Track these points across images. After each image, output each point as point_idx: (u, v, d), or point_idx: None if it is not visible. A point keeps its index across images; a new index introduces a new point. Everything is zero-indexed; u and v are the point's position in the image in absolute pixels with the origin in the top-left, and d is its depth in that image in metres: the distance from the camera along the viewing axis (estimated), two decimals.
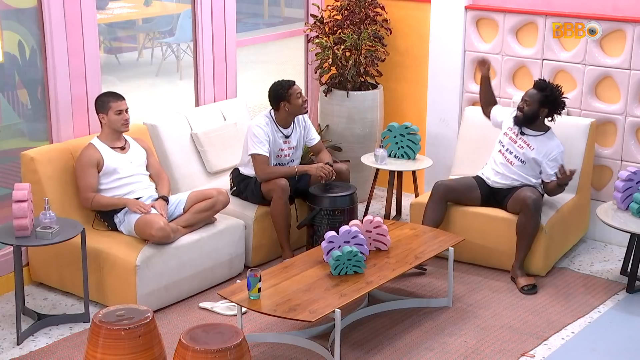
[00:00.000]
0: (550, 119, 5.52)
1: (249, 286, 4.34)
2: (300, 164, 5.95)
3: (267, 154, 5.59)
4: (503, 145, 5.60)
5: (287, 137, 5.73)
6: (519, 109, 5.48)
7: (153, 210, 5.09)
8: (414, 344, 4.73)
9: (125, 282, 4.90)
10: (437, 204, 5.54)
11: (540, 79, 5.55)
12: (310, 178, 5.77)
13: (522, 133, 5.53)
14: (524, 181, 5.51)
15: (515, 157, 5.52)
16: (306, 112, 5.77)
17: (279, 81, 5.69)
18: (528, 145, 5.49)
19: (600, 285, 5.46)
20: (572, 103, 6.07)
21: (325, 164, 5.72)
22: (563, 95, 5.49)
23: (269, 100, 5.69)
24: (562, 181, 5.26)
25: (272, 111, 5.71)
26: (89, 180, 5.07)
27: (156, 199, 5.22)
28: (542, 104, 5.42)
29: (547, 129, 5.54)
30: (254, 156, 5.59)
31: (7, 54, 5.19)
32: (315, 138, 5.90)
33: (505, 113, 5.72)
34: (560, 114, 5.52)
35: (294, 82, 5.69)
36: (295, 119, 5.77)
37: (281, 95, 5.62)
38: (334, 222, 5.48)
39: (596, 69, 5.94)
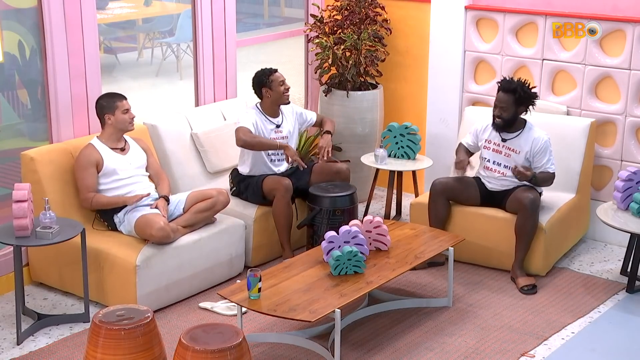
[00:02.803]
0: (526, 112, 5.50)
1: (249, 286, 4.34)
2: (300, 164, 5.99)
3: (249, 128, 5.60)
4: (488, 160, 5.56)
5: (277, 126, 5.73)
6: (497, 116, 5.42)
7: (154, 210, 5.09)
8: (414, 344, 4.73)
9: (125, 282, 4.90)
10: (438, 202, 5.53)
11: (503, 79, 5.46)
12: (310, 178, 5.78)
13: (503, 140, 5.49)
14: (519, 184, 5.49)
15: (505, 167, 5.48)
16: (288, 102, 5.76)
17: (261, 69, 5.75)
18: (513, 150, 5.46)
19: (600, 285, 5.46)
20: (572, 103, 6.07)
21: (325, 132, 5.85)
22: (532, 88, 5.43)
23: (253, 89, 5.75)
24: (519, 178, 5.29)
25: (258, 103, 5.75)
26: (88, 180, 5.07)
27: (156, 199, 5.22)
28: (518, 104, 5.38)
29: (525, 123, 5.50)
30: (237, 129, 5.59)
31: (7, 54, 5.19)
32: (312, 118, 5.96)
33: (476, 131, 5.67)
34: (534, 104, 5.47)
35: (276, 69, 5.72)
36: (284, 109, 5.78)
37: (263, 82, 5.68)
38: (334, 222, 5.48)
39: (596, 69, 5.94)
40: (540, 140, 5.40)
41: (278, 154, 5.76)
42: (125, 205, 5.12)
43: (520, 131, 5.46)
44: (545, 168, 5.41)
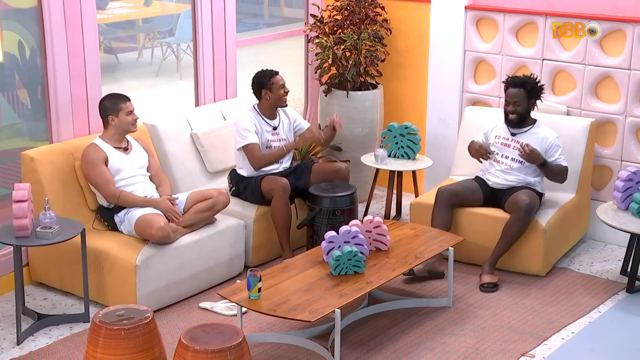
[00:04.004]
0: (535, 106, 5.57)
1: (249, 286, 4.34)
2: (299, 164, 5.97)
3: (257, 142, 5.61)
4: (497, 153, 5.60)
5: (274, 128, 5.74)
6: (511, 112, 5.48)
7: (154, 210, 5.08)
8: (414, 344, 4.73)
9: (125, 282, 4.90)
10: (443, 210, 5.52)
11: (509, 77, 5.57)
12: (310, 178, 5.78)
13: (512, 135, 5.54)
14: (523, 181, 5.51)
15: (513, 159, 5.52)
16: (285, 105, 5.78)
17: (262, 70, 5.75)
18: (521, 144, 5.50)
19: (600, 285, 5.46)
20: (572, 103, 6.07)
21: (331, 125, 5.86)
22: (537, 80, 5.53)
23: (252, 90, 5.75)
24: (525, 158, 5.33)
25: (256, 104, 5.74)
26: (106, 174, 5.06)
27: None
28: (530, 97, 5.48)
29: (534, 121, 5.56)
30: (245, 148, 5.61)
31: (7, 54, 5.19)
32: (304, 125, 5.93)
33: (485, 133, 5.72)
34: (542, 97, 5.56)
35: (277, 72, 5.72)
36: (282, 111, 5.78)
37: (263, 83, 5.67)
38: (334, 222, 5.48)
39: (596, 69, 5.94)
40: (550, 137, 5.48)
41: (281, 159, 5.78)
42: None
43: (530, 127, 5.54)
44: (558, 162, 5.46)
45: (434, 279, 5.47)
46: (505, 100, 5.52)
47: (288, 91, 5.76)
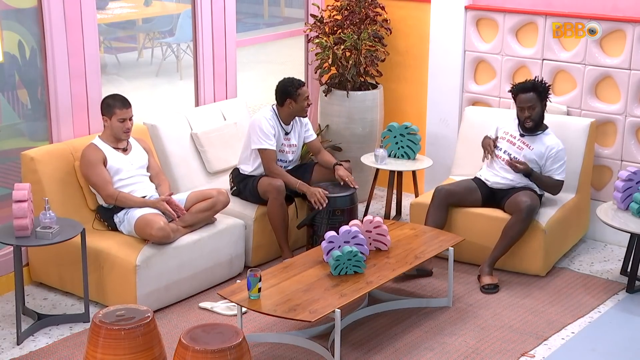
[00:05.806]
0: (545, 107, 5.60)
1: (249, 286, 4.34)
2: (300, 164, 5.97)
3: (275, 149, 5.60)
4: (500, 149, 5.62)
5: (287, 133, 5.74)
6: (527, 117, 5.47)
7: (154, 210, 5.08)
8: (414, 344, 4.73)
9: (125, 282, 4.90)
10: (439, 209, 5.53)
11: (516, 85, 5.54)
12: (310, 177, 5.78)
13: (521, 135, 5.56)
14: (522, 181, 5.52)
15: (514, 158, 5.52)
16: (305, 116, 5.80)
17: (290, 78, 5.71)
18: (527, 145, 5.51)
19: (600, 285, 5.46)
20: (572, 103, 6.07)
21: (335, 164, 5.74)
22: (542, 81, 5.53)
23: (276, 95, 5.70)
24: (514, 170, 5.39)
25: (276, 106, 5.73)
26: (104, 175, 5.06)
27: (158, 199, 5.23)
28: (541, 100, 5.48)
29: (545, 127, 5.57)
30: (262, 151, 5.60)
31: (7, 54, 5.19)
32: (312, 135, 5.91)
33: (497, 128, 5.74)
34: (549, 98, 5.57)
35: (304, 83, 5.71)
36: (295, 118, 5.80)
37: (289, 93, 5.64)
38: (334, 222, 5.48)
39: (596, 69, 5.94)
40: (556, 147, 5.48)
41: (285, 161, 5.77)
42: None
43: (540, 132, 5.55)
44: (553, 174, 5.45)
45: (422, 277, 5.48)
46: (519, 108, 5.50)
47: (311, 103, 5.77)
